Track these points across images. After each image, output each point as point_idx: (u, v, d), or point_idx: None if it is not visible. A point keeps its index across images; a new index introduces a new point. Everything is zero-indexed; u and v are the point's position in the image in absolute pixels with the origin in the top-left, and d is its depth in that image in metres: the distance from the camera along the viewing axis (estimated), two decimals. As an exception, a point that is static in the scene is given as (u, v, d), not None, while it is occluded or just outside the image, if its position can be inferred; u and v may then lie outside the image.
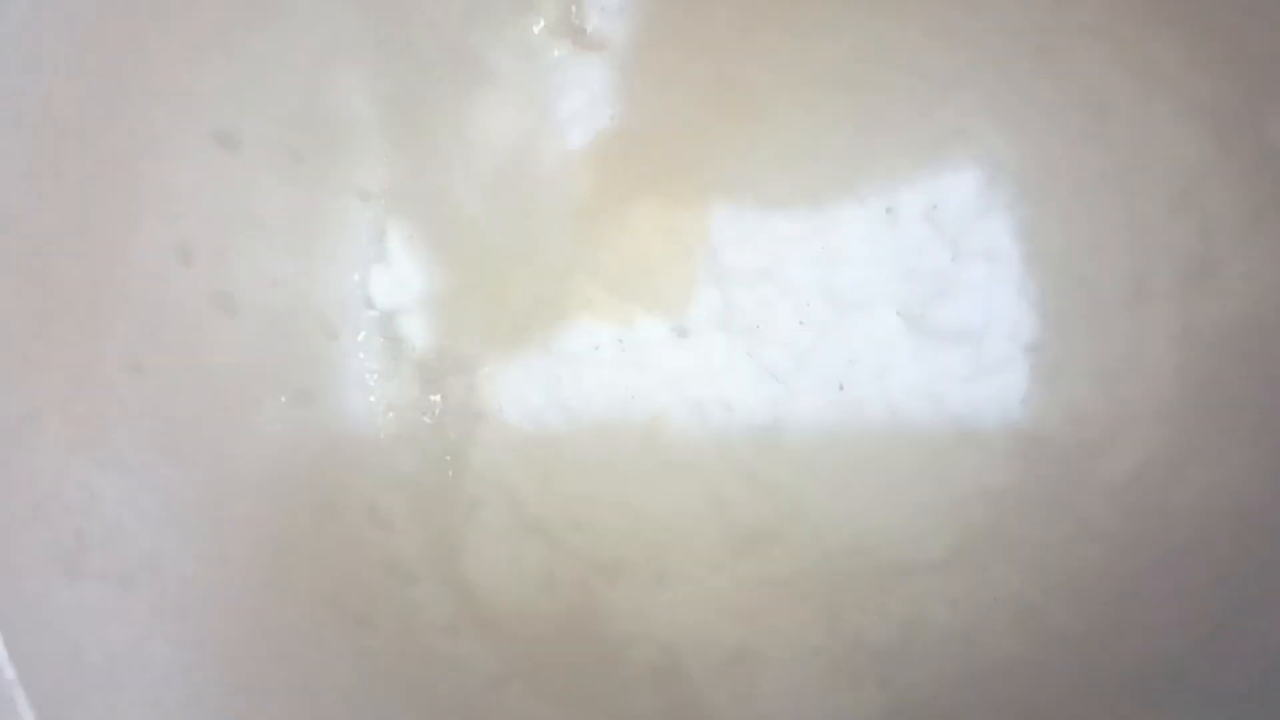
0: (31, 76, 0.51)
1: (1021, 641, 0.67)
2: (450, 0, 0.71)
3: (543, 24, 0.71)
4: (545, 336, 0.71)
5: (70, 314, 0.52)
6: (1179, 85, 0.64)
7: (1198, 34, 0.64)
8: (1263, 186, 0.64)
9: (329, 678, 0.64)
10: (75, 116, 0.53)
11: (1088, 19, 0.65)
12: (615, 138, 0.69)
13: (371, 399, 0.72)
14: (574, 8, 0.71)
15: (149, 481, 0.56)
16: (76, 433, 0.53)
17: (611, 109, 0.70)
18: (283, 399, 0.66)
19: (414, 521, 0.72)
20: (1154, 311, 0.65)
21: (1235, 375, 0.65)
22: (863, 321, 0.68)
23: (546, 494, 0.71)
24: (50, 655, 0.50)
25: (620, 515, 0.71)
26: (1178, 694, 0.66)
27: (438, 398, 0.73)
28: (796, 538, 0.69)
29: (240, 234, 0.64)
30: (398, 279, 0.73)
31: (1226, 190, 0.64)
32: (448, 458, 0.72)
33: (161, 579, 0.55)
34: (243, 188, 0.63)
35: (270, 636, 0.62)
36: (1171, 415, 0.65)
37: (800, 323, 0.69)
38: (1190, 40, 0.64)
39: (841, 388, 0.68)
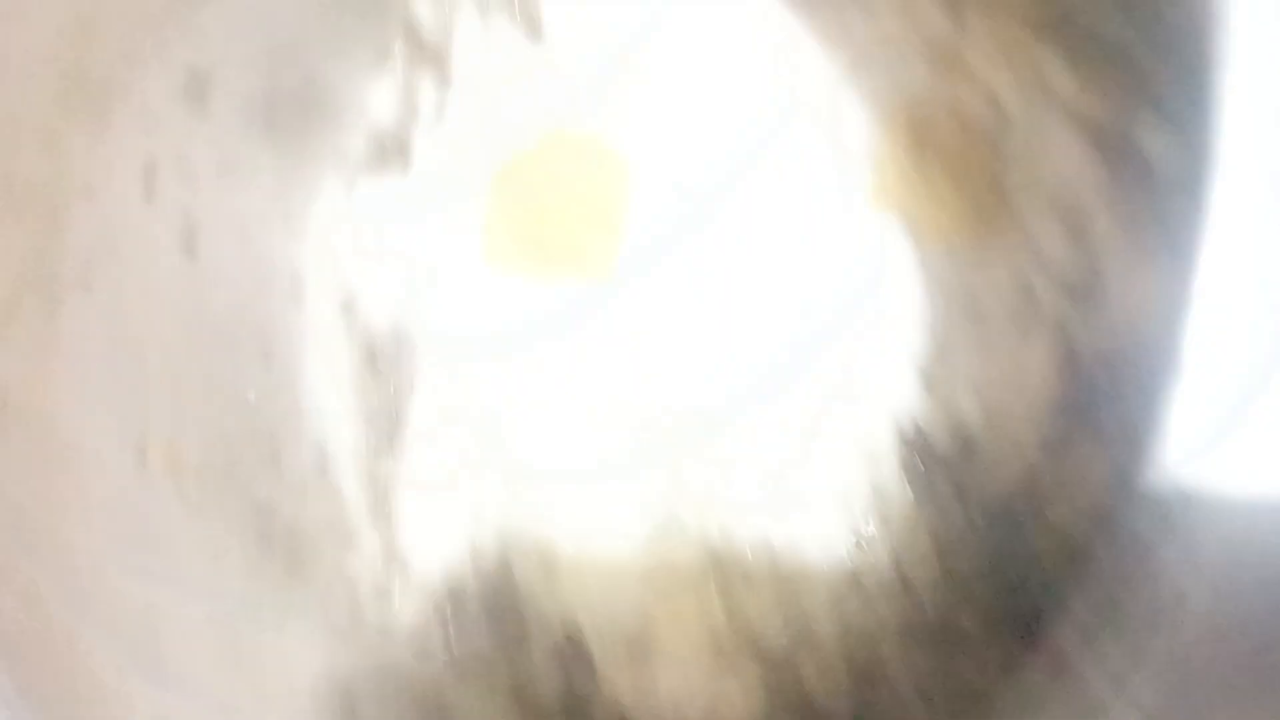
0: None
1: (904, 645, 0.70)
2: None
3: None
4: (487, 318, 0.76)
5: (30, 214, 0.59)
6: (1066, 97, 0.69)
7: (1080, 41, 0.68)
8: (1143, 203, 0.67)
9: (250, 614, 0.69)
10: (51, 38, 0.59)
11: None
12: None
13: (329, 366, 0.77)
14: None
15: (98, 396, 0.63)
16: (27, 335, 0.60)
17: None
18: (240, 354, 0.73)
19: (357, 486, 0.78)
20: (1037, 330, 0.68)
21: (1113, 392, 0.67)
22: (763, 328, 0.73)
23: (482, 469, 0.76)
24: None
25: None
26: (1057, 688, 0.67)
27: (391, 369, 0.78)
28: (703, 531, 0.73)
29: (207, 183, 0.69)
30: (363, 249, 0.77)
31: (1111, 208, 0.68)
32: (393, 426, 0.78)
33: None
34: (212, 140, 0.68)
35: (200, 564, 0.67)
36: (1051, 431, 0.68)
37: (703, 323, 0.73)
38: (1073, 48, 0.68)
39: (749, 386, 0.73)
